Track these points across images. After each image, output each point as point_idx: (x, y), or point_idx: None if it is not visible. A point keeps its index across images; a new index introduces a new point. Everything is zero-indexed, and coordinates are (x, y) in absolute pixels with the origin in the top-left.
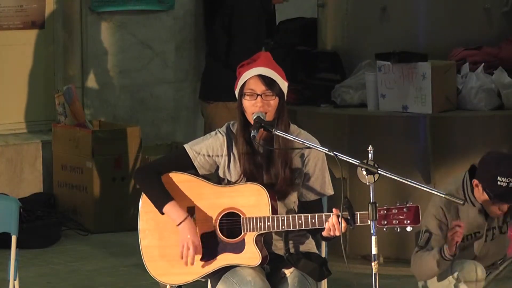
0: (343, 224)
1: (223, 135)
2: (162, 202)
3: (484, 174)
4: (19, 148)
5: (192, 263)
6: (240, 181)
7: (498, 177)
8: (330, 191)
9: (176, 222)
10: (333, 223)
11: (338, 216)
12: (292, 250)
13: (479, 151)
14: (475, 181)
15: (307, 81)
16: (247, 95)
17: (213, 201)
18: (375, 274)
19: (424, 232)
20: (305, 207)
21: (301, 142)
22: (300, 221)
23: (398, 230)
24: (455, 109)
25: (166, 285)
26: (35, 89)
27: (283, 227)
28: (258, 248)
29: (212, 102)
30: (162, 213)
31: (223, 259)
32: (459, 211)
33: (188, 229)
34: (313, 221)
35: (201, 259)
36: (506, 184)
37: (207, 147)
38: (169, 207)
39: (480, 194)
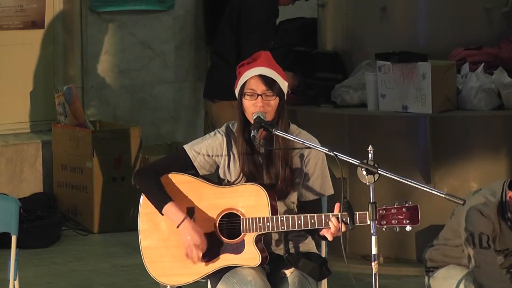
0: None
1: (222, 135)
2: (160, 203)
3: None
4: (19, 148)
5: (197, 262)
6: (240, 181)
7: None
8: (330, 190)
9: (175, 224)
10: (339, 228)
11: (337, 218)
12: (292, 250)
13: (479, 151)
14: (509, 193)
15: (308, 82)
16: (248, 95)
17: (213, 201)
18: (375, 274)
19: (481, 234)
20: (304, 206)
21: (301, 142)
22: (299, 222)
23: (398, 230)
24: (455, 109)
25: (167, 286)
26: (35, 89)
27: (283, 227)
28: (258, 248)
29: (217, 101)
30: (162, 214)
31: (223, 260)
32: (501, 223)
33: (187, 230)
34: (313, 221)
35: (201, 260)
36: None
37: (207, 147)
38: (168, 209)
39: None
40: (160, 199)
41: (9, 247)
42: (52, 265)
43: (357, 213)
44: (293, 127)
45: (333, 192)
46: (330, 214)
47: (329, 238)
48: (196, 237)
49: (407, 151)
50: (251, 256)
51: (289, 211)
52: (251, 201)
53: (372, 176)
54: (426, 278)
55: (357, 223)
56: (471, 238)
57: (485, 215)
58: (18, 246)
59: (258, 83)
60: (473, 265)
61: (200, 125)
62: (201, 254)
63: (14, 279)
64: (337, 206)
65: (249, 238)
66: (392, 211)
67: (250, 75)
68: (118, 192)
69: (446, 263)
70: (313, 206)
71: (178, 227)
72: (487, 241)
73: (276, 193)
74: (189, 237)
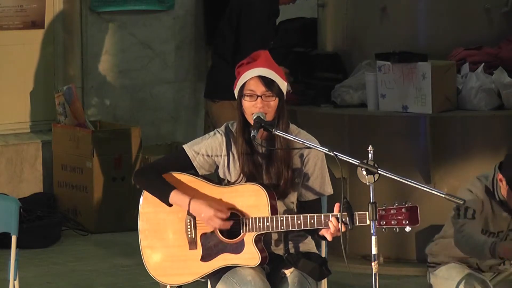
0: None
1: (222, 135)
2: (166, 194)
3: (508, 168)
4: (19, 148)
5: (229, 227)
6: (240, 181)
7: None
8: (329, 190)
9: (185, 209)
10: (338, 228)
11: (337, 218)
12: (291, 250)
13: (479, 151)
14: (499, 176)
15: (308, 82)
16: (247, 95)
17: (213, 201)
18: (375, 274)
19: (467, 208)
20: (304, 207)
21: (301, 142)
22: (299, 222)
23: (397, 231)
24: (455, 109)
25: (167, 286)
26: (35, 89)
27: (282, 227)
28: (257, 248)
29: (217, 101)
30: (170, 205)
31: (222, 260)
32: (494, 205)
33: (197, 208)
34: (312, 221)
35: (201, 259)
36: None
37: (206, 147)
38: (174, 197)
39: (504, 189)
40: (164, 191)
41: (9, 247)
42: (52, 265)
43: (356, 213)
44: (292, 127)
45: (332, 192)
46: (330, 214)
47: (329, 238)
48: (207, 209)
49: (407, 151)
50: (250, 256)
51: (288, 211)
52: (251, 201)
53: (372, 176)
54: (428, 273)
55: (356, 223)
56: (457, 211)
57: (473, 193)
58: (18, 246)
59: (258, 84)
60: (454, 231)
61: (200, 125)
62: (225, 216)
63: (14, 279)
64: (336, 206)
65: (248, 238)
66: (392, 211)
67: (249, 76)
68: (118, 192)
69: (446, 258)
70: (313, 206)
71: (188, 212)
72: (473, 214)
73: (276, 193)
74: (203, 214)
